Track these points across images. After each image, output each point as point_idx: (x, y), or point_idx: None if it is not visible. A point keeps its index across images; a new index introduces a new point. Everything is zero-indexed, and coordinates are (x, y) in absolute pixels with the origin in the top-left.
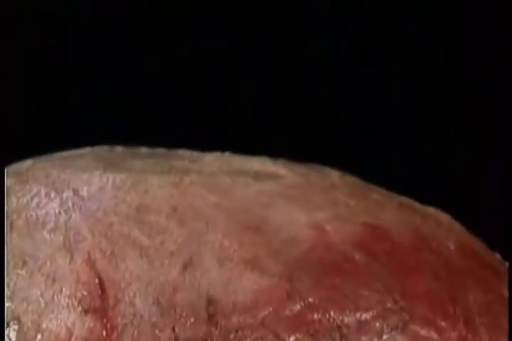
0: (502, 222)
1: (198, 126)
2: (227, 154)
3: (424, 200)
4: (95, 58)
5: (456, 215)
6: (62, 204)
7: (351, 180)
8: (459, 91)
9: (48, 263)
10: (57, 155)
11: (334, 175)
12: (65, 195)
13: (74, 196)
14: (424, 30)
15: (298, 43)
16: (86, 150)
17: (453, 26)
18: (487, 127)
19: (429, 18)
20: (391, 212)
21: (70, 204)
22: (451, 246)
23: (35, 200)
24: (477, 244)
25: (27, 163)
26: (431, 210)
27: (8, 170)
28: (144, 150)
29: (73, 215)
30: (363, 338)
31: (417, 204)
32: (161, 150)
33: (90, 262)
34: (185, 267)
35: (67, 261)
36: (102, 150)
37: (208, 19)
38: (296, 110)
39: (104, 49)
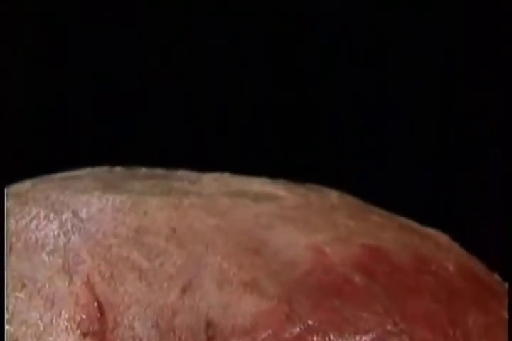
0: (502, 240)
1: (198, 126)
2: (226, 175)
3: (424, 201)
4: (95, 58)
5: (455, 227)
6: (61, 226)
7: (350, 200)
8: (459, 91)
9: (47, 286)
10: (57, 176)
11: (333, 195)
12: (64, 216)
13: (73, 218)
14: (424, 30)
15: (298, 43)
16: (85, 171)
17: (453, 26)
18: (487, 127)
19: (429, 18)
20: (391, 233)
21: (69, 226)
22: (451, 268)
23: (35, 222)
24: (477, 266)
25: (26, 185)
26: (430, 231)
27: (8, 192)
28: (143, 171)
29: (72, 237)
30: None
31: (416, 225)
32: (160, 171)
33: (89, 285)
34: (185, 290)
35: (66, 283)
36: (101, 171)
37: (208, 19)
38: (296, 110)
39: (104, 49)
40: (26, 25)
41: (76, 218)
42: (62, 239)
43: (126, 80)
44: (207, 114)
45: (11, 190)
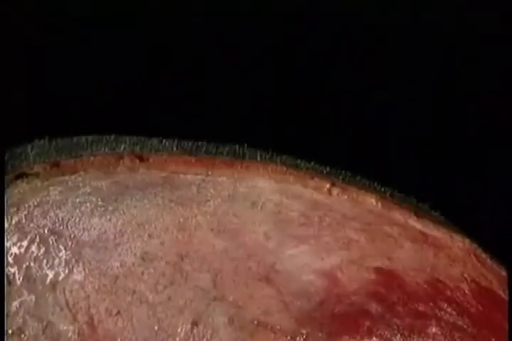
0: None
1: (198, 126)
2: (228, 181)
3: (424, 201)
4: (95, 58)
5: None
6: (61, 253)
7: (361, 210)
8: (459, 91)
9: (50, 326)
10: (56, 194)
11: (345, 205)
12: (62, 239)
13: (74, 244)
14: (424, 30)
15: (298, 43)
16: (84, 187)
17: (453, 26)
18: (487, 127)
19: (429, 18)
20: (404, 250)
21: (70, 255)
22: (467, 291)
23: (33, 248)
24: (489, 278)
25: (27, 207)
26: (446, 237)
27: (8, 217)
28: (143, 179)
29: (75, 270)
30: None
31: (431, 229)
32: (160, 180)
33: (93, 324)
34: (194, 324)
35: (69, 321)
36: (98, 178)
37: (208, 19)
38: (297, 110)
39: (104, 49)
40: (26, 25)
41: (77, 244)
42: (64, 272)
43: (126, 80)
44: (207, 114)
45: (12, 213)
